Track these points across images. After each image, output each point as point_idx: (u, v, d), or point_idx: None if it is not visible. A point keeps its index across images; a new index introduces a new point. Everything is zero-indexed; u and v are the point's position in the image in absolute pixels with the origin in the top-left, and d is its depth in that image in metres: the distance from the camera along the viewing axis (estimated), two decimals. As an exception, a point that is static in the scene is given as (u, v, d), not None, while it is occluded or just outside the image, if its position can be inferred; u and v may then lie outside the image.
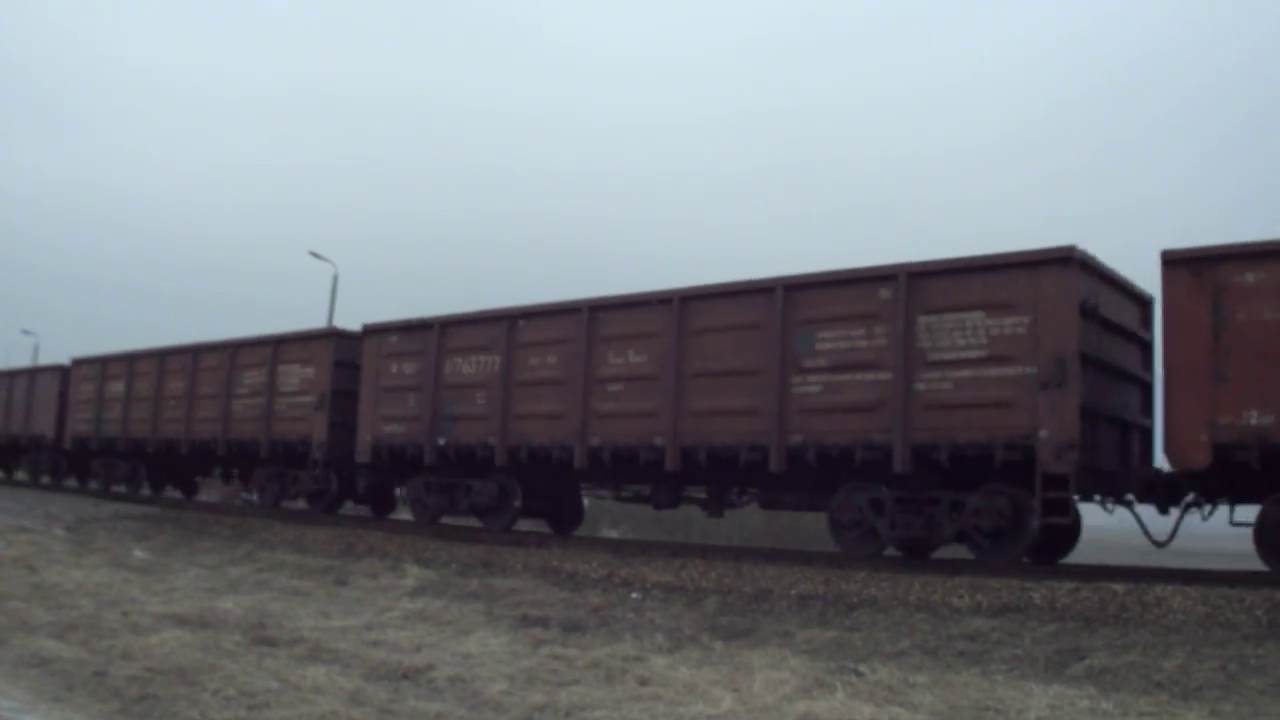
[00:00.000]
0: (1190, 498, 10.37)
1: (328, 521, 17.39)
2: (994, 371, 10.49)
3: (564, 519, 16.42)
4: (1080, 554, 11.84)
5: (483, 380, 14.73)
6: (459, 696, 6.67)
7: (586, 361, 13.47)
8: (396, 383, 15.89)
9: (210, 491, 26.10)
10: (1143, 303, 11.75)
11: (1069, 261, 10.19)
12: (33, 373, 27.36)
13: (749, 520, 21.83)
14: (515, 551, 13.23)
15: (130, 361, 22.29)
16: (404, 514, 17.65)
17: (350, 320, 19.46)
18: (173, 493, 23.44)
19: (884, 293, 11.22)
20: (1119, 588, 9.02)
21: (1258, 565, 9.85)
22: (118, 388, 22.36)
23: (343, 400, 16.94)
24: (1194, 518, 10.49)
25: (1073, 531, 11.36)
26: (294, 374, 17.89)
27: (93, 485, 24.29)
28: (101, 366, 23.21)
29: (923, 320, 10.94)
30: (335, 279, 35.96)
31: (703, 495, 13.72)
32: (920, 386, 10.88)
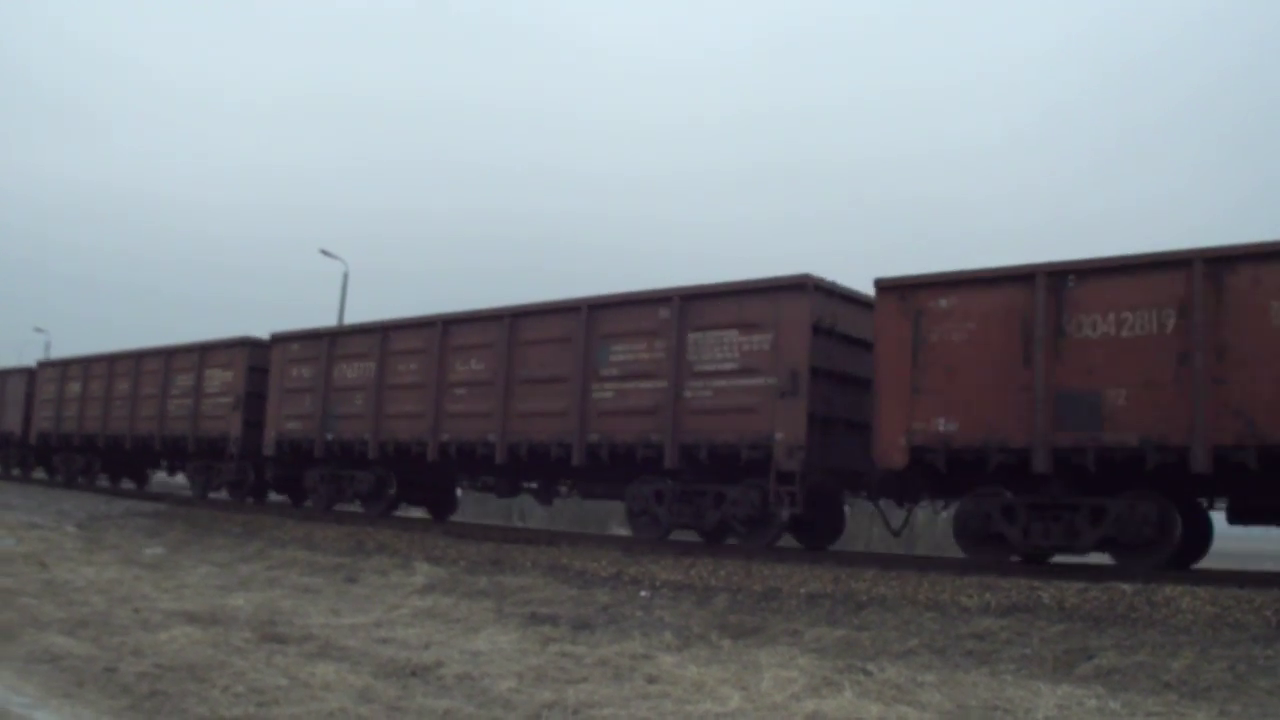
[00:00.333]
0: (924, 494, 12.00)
1: (337, 519, 17.61)
2: (744, 382, 12.16)
3: (440, 506, 18.71)
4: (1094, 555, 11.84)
5: (361, 384, 16.79)
6: (468, 694, 6.68)
7: (439, 368, 15.46)
8: (296, 385, 18.00)
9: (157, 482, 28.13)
10: None
11: (804, 288, 11.84)
12: (4, 375, 29.39)
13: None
14: (525, 549, 13.27)
15: (86, 365, 24.54)
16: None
17: (361, 317, 20.05)
18: (128, 483, 25.70)
19: (663, 312, 12.92)
20: (1128, 588, 9.00)
21: (1267, 566, 9.83)
22: (75, 388, 24.58)
23: (256, 401, 18.96)
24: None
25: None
26: (216, 378, 20.02)
27: (57, 478, 26.25)
28: (62, 369, 25.56)
29: (692, 336, 12.64)
30: (345, 277, 36.15)
31: (535, 486, 15.77)
32: (688, 394, 12.58)
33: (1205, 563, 10.76)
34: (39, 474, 28.17)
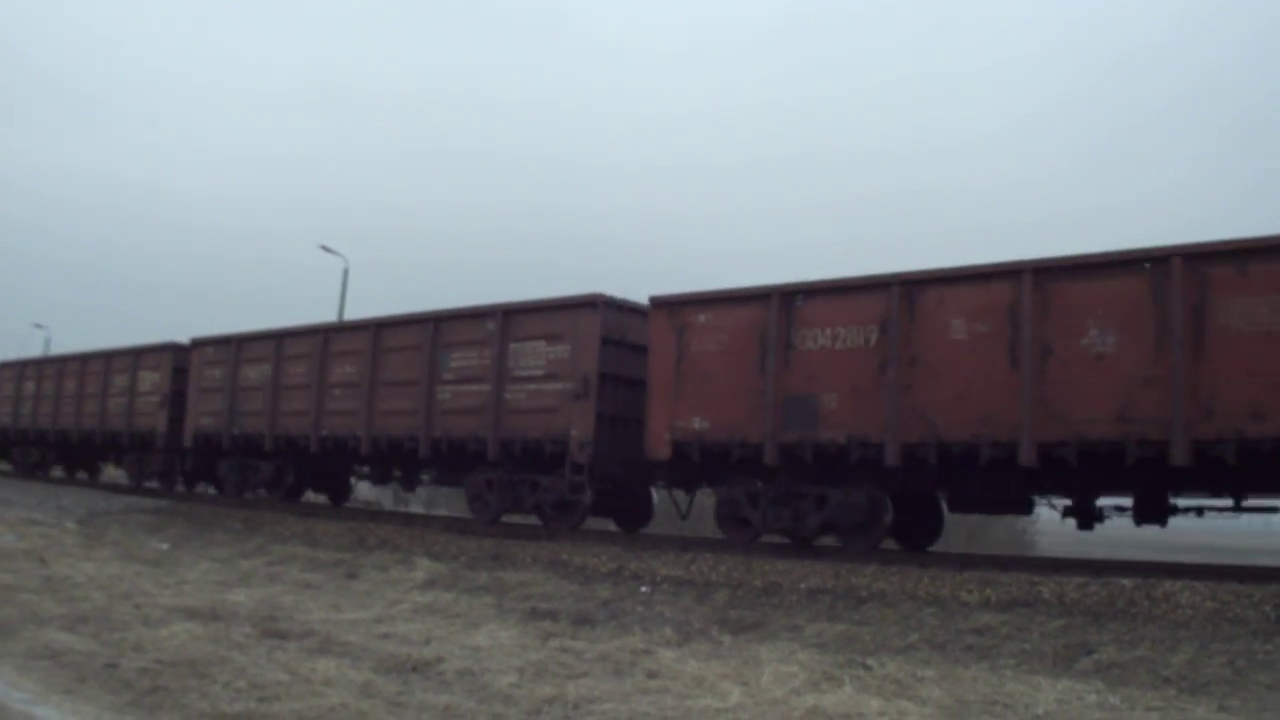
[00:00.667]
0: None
1: (338, 515, 17.97)
2: (549, 386, 13.96)
3: (336, 494, 20.76)
4: (1087, 548, 11.90)
5: (261, 384, 18.65)
6: (468, 689, 6.69)
7: (321, 371, 17.33)
8: (210, 385, 19.93)
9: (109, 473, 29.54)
10: None
11: (595, 305, 13.63)
12: None
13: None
14: (525, 545, 13.29)
15: (39, 366, 26.92)
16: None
17: (362, 311, 20.49)
18: (82, 475, 27.64)
19: (489, 325, 14.77)
20: (1127, 583, 9.01)
21: (1265, 561, 9.85)
22: (30, 387, 26.53)
23: (179, 400, 20.97)
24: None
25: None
26: (147, 379, 22.03)
27: (17, 471, 27.80)
28: (20, 369, 27.51)
29: (512, 346, 14.47)
30: (345, 273, 36.16)
31: (400, 475, 17.87)
32: (508, 396, 14.42)
33: (1204, 558, 10.76)
34: (3, 465, 29.65)
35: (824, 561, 11.12)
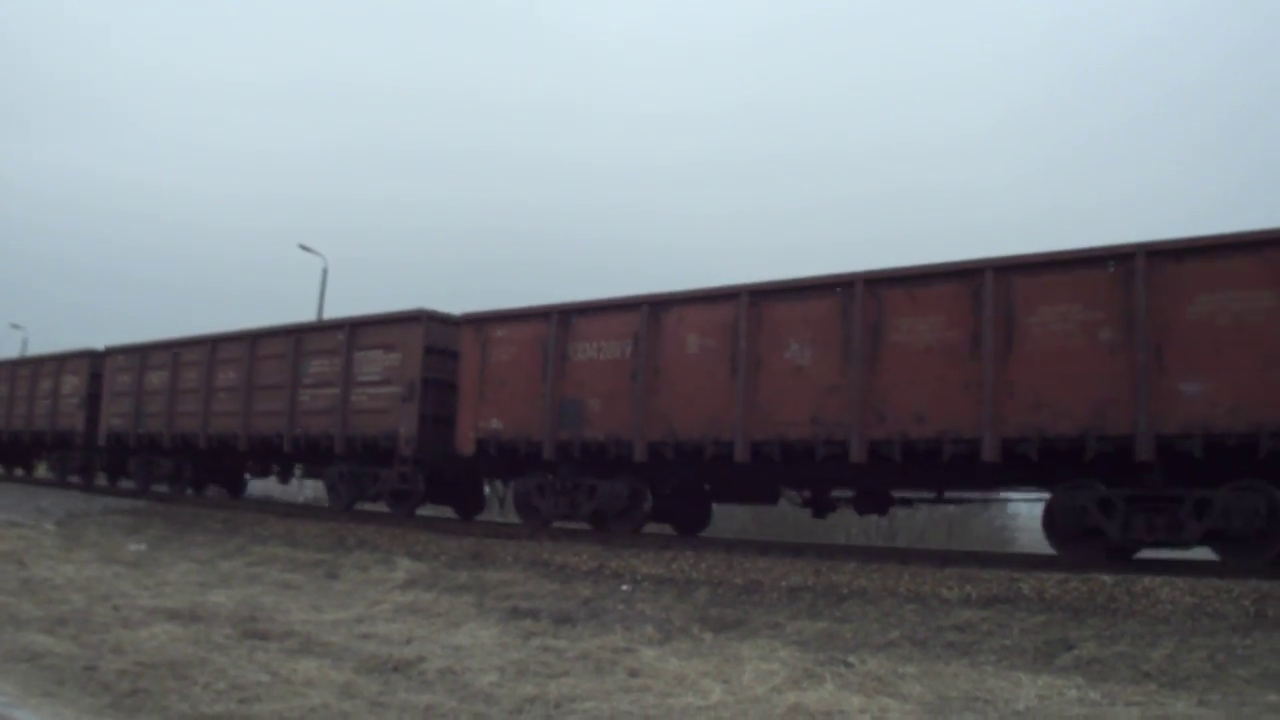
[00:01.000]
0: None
1: (318, 515, 17.85)
2: (384, 389, 15.80)
3: (232, 487, 22.17)
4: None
5: (161, 389, 20.38)
6: (449, 688, 6.67)
7: (208, 376, 19.12)
8: (120, 389, 21.55)
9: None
10: None
11: (419, 319, 15.49)
12: None
13: (738, 513, 22.34)
14: (505, 544, 13.26)
15: None
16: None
17: (349, 309, 20.55)
18: (19, 471, 29.02)
19: (339, 336, 16.65)
20: (1108, 578, 9.05)
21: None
22: None
23: (95, 402, 22.52)
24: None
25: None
26: (69, 383, 23.77)
27: None
28: None
29: (357, 355, 16.31)
30: (324, 273, 36.10)
31: (277, 469, 19.94)
32: (353, 398, 16.24)
33: (1192, 554, 10.77)
34: None
35: (804, 559, 11.14)
